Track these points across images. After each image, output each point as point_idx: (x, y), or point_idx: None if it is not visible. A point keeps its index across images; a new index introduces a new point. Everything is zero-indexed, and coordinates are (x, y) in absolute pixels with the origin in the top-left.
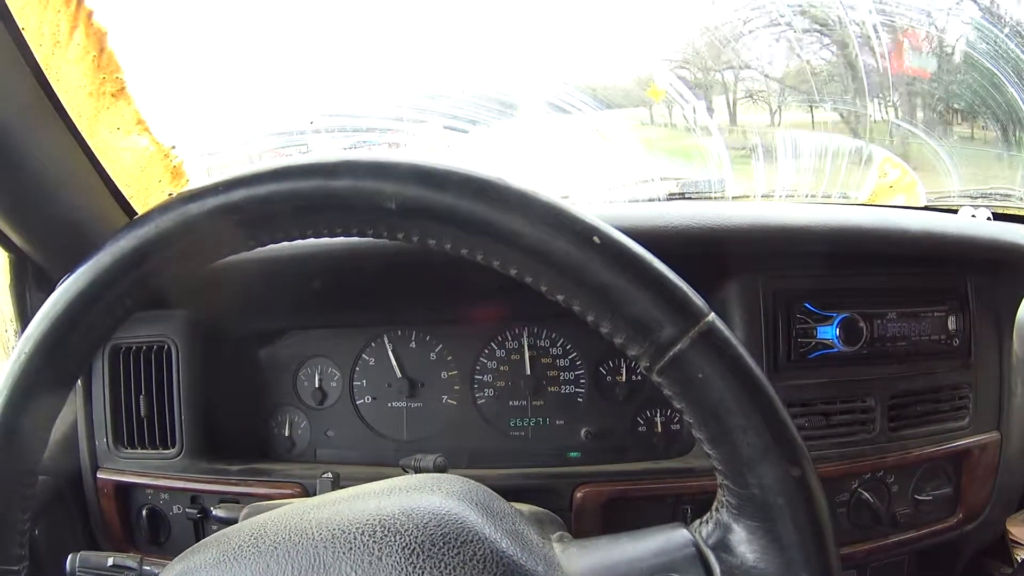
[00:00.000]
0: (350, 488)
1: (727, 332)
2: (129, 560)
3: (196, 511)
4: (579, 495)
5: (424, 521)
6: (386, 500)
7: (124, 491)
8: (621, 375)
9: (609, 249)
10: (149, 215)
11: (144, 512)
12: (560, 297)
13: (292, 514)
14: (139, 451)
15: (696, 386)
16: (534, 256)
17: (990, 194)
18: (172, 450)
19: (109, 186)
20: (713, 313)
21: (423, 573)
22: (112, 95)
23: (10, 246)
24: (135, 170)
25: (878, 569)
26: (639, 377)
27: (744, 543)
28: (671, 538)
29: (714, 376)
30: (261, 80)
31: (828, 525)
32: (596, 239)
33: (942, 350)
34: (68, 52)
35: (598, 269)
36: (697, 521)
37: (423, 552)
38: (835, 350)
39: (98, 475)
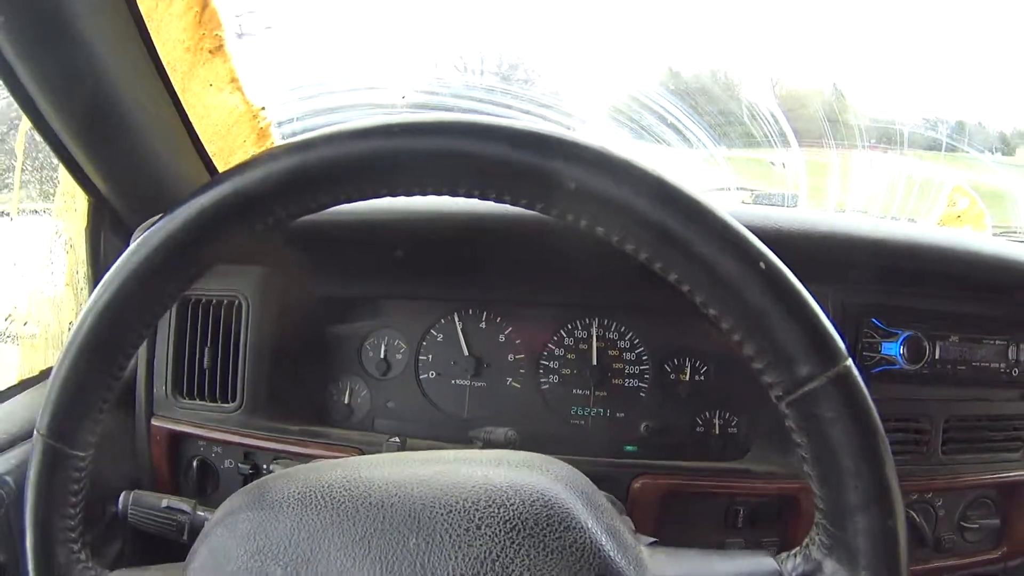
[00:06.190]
0: (451, 451)
1: (860, 380)
2: (183, 503)
3: (248, 467)
4: (637, 485)
5: (531, 499)
6: (494, 471)
7: (177, 440)
8: (685, 374)
9: (772, 275)
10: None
11: (195, 463)
12: (713, 311)
13: (390, 465)
14: (197, 402)
15: (821, 425)
16: (700, 267)
17: None
18: (231, 404)
19: (195, 142)
20: (851, 358)
21: (520, 550)
22: (210, 51)
23: (92, 190)
24: (222, 128)
25: None
26: (702, 378)
27: None
28: (759, 564)
29: (840, 420)
30: (355, 52)
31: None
32: (762, 264)
33: (1001, 379)
34: (172, 7)
35: (758, 293)
36: (784, 553)
37: (525, 529)
38: (898, 367)
39: (152, 422)
